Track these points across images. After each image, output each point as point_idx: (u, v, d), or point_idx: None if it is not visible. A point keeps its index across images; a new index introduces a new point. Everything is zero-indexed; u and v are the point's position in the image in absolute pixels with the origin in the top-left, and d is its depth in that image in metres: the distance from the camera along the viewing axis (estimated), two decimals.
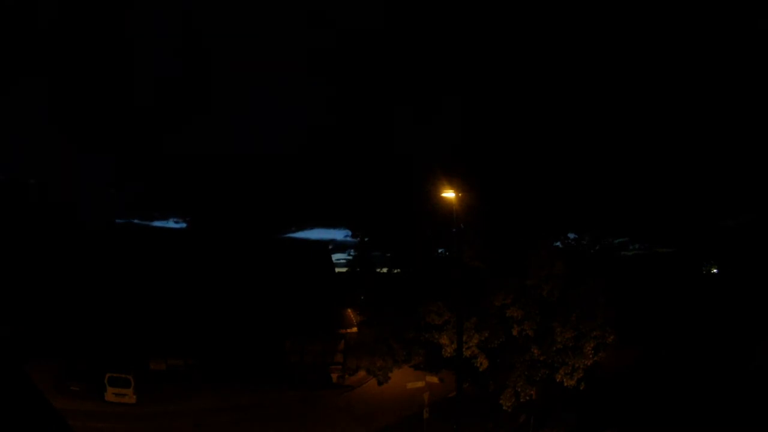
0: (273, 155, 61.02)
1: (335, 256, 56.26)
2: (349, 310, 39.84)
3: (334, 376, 37.29)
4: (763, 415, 26.72)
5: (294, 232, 61.52)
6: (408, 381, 28.10)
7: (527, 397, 24.17)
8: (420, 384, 26.78)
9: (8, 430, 6.57)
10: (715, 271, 55.08)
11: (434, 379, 27.35)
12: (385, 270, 33.97)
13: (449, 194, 23.47)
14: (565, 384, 24.21)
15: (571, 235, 30.82)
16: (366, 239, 32.58)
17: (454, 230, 24.83)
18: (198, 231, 55.59)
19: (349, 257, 52.28)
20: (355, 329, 38.58)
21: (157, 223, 62.71)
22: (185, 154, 58.73)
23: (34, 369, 23.97)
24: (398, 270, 33.45)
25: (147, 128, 60.53)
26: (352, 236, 51.05)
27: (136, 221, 57.18)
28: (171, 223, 64.39)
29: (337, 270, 45.14)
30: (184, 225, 61.02)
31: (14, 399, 7.15)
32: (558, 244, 28.86)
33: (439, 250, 32.03)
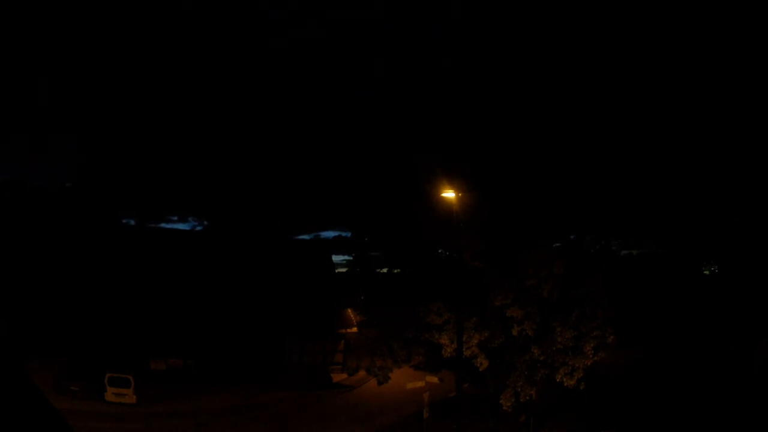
0: (286, 157, 61.07)
1: (337, 257, 56.34)
2: (349, 310, 39.87)
3: (334, 376, 37.32)
4: (764, 414, 26.71)
5: (316, 232, 61.08)
6: (408, 381, 28.10)
7: (527, 397, 24.16)
8: (420, 384, 26.79)
9: (8, 430, 6.56)
10: (714, 270, 55.04)
11: (434, 379, 27.35)
12: (385, 270, 34.06)
13: (449, 194, 23.44)
14: (565, 384, 24.18)
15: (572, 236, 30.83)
16: (366, 239, 32.63)
17: (453, 230, 24.79)
18: (205, 233, 55.87)
19: (350, 257, 52.41)
20: (355, 329, 38.61)
21: (179, 225, 62.52)
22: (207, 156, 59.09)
23: (34, 369, 23.99)
24: (398, 270, 33.51)
25: (164, 129, 60.86)
26: (352, 236, 51.27)
27: (150, 222, 57.18)
28: (184, 225, 64.13)
29: (337, 270, 45.25)
30: (200, 227, 61.01)
31: (14, 399, 7.15)
32: (558, 244, 28.86)
33: (439, 250, 32.08)
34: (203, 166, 58.18)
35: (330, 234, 60.34)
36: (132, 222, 54.33)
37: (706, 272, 56.12)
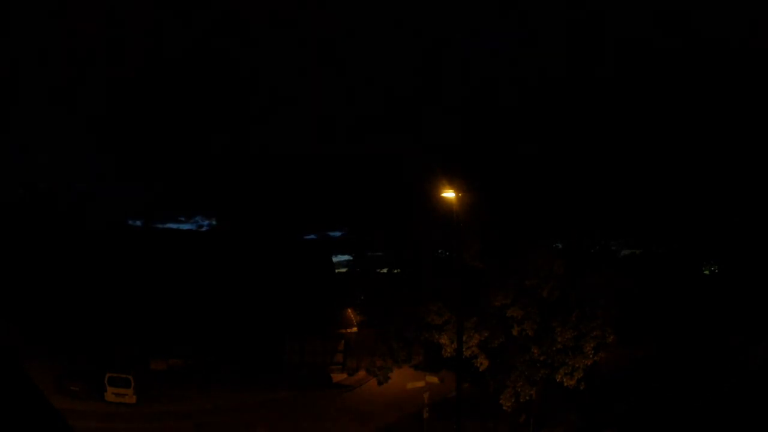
0: (295, 156, 60.98)
1: (342, 257, 56.21)
2: (349, 310, 39.87)
3: (334, 376, 37.33)
4: (764, 415, 26.71)
5: (324, 232, 61.00)
6: (408, 381, 28.10)
7: (527, 397, 24.17)
8: (420, 384, 26.78)
9: (8, 430, 6.57)
10: (714, 270, 55.00)
11: (434, 379, 27.35)
12: (385, 270, 33.94)
13: (449, 194, 23.43)
14: (565, 384, 24.18)
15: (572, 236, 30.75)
16: (366, 239, 32.58)
17: (454, 230, 24.79)
18: (209, 233, 55.94)
19: (350, 257, 52.30)
20: (355, 329, 38.63)
21: (186, 226, 62.47)
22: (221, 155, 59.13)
23: (34, 369, 23.98)
24: (398, 270, 33.42)
25: (173, 128, 60.94)
26: (353, 236, 51.17)
27: (156, 222, 57.19)
28: (190, 225, 63.95)
29: (337, 270, 45.21)
30: (206, 227, 60.99)
31: (14, 399, 7.15)
32: (558, 244, 28.85)
33: (439, 250, 32.02)
34: (210, 166, 58.23)
35: (337, 234, 59.92)
36: (138, 223, 54.43)
37: (706, 272, 56.10)
